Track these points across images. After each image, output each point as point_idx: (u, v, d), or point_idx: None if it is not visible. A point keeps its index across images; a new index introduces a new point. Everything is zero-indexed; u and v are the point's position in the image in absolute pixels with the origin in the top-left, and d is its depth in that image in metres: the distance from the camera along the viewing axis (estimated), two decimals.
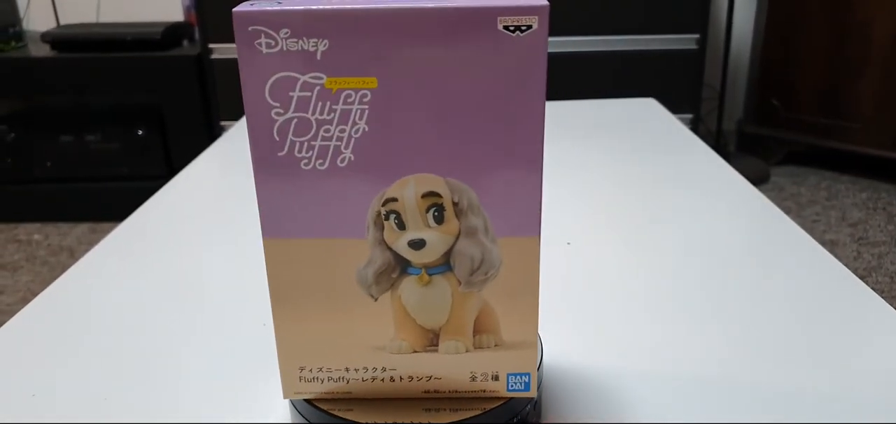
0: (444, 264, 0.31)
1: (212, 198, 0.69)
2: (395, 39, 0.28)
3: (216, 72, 1.92)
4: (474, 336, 0.33)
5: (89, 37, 1.95)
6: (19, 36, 2.11)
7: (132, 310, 0.49)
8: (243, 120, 0.98)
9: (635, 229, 0.60)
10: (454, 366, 0.34)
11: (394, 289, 0.32)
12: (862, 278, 1.59)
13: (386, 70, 0.28)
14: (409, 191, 0.30)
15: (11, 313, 1.54)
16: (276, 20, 0.28)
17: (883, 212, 1.93)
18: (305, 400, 0.35)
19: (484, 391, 0.34)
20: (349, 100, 0.29)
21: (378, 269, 0.31)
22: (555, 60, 1.91)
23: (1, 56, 1.94)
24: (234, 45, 1.88)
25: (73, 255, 1.82)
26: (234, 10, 0.27)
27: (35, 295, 1.61)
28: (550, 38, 1.89)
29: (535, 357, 0.34)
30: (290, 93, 0.29)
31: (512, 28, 0.27)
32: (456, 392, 0.35)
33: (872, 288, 1.34)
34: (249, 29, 0.28)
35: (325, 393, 0.34)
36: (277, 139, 0.29)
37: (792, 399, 0.38)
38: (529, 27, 0.27)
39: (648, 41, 1.90)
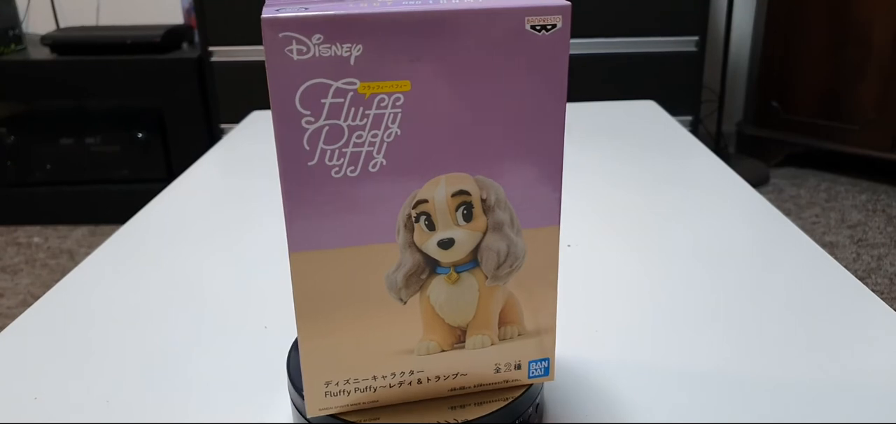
0: (472, 260, 0.32)
1: (213, 201, 0.69)
2: (429, 41, 0.28)
3: (216, 75, 1.92)
4: (499, 328, 0.33)
5: (89, 40, 1.96)
6: (19, 39, 2.11)
7: (133, 313, 0.49)
8: (244, 122, 0.98)
9: (635, 231, 0.60)
10: (480, 360, 0.34)
11: (422, 291, 0.32)
12: (861, 280, 1.59)
13: (419, 72, 0.28)
14: (440, 191, 0.30)
15: (12, 316, 1.54)
16: (309, 26, 0.26)
17: (882, 213, 1.93)
18: (331, 416, 0.34)
19: (506, 381, 0.35)
20: (382, 104, 0.28)
21: (408, 272, 0.31)
22: None
23: (1, 59, 1.94)
24: (233, 48, 1.88)
25: (74, 258, 1.82)
26: (264, 16, 0.26)
27: (35, 298, 1.61)
28: None
29: (554, 342, 0.34)
30: (322, 101, 0.28)
31: (538, 27, 0.28)
32: (480, 385, 0.35)
33: (872, 290, 1.34)
34: (280, 35, 0.26)
35: (351, 406, 0.34)
36: (307, 149, 0.28)
37: (792, 400, 0.38)
38: (554, 26, 0.28)
39: (648, 43, 1.90)
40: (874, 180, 2.17)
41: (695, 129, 1.98)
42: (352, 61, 0.27)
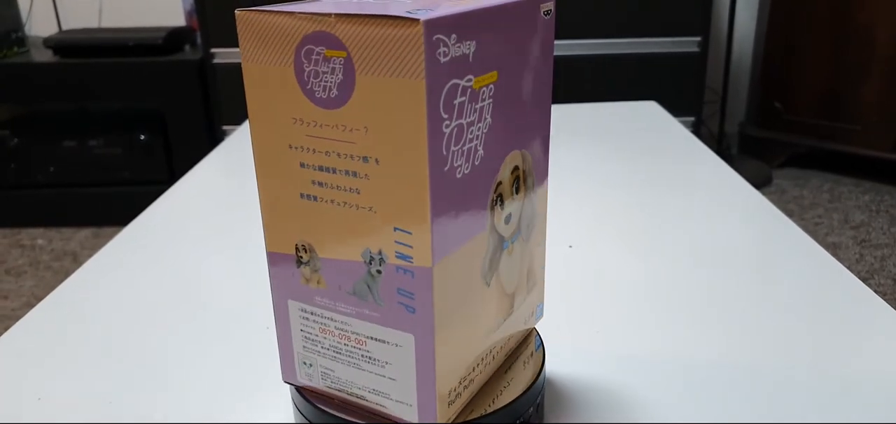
0: (519, 229, 0.34)
1: (214, 203, 0.69)
2: (513, 31, 0.30)
3: (218, 77, 1.92)
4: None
5: (91, 42, 1.96)
6: (21, 41, 2.12)
7: (136, 315, 0.49)
8: (246, 124, 0.99)
9: (637, 232, 0.60)
10: (519, 318, 0.36)
11: (497, 269, 0.33)
12: (864, 280, 1.58)
13: (504, 61, 0.30)
14: (507, 170, 0.32)
15: (16, 318, 1.54)
16: (450, 25, 0.26)
17: (885, 214, 1.93)
18: None
19: (526, 330, 0.38)
20: (483, 96, 0.29)
21: (491, 254, 0.32)
22: (557, 64, 1.91)
23: (3, 61, 1.95)
24: (235, 50, 1.89)
25: (77, 260, 1.82)
26: (423, 19, 0.25)
27: (39, 299, 1.61)
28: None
29: (544, 283, 0.36)
30: (454, 102, 0.27)
31: (545, 12, 0.33)
32: (518, 342, 0.37)
33: (875, 291, 1.34)
34: (434, 37, 0.25)
35: (462, 406, 0.32)
36: (444, 154, 0.27)
37: (795, 402, 0.38)
38: (550, 11, 0.33)
39: (650, 44, 1.90)
40: (877, 181, 2.16)
41: (697, 130, 1.98)
42: (470, 58, 0.27)
